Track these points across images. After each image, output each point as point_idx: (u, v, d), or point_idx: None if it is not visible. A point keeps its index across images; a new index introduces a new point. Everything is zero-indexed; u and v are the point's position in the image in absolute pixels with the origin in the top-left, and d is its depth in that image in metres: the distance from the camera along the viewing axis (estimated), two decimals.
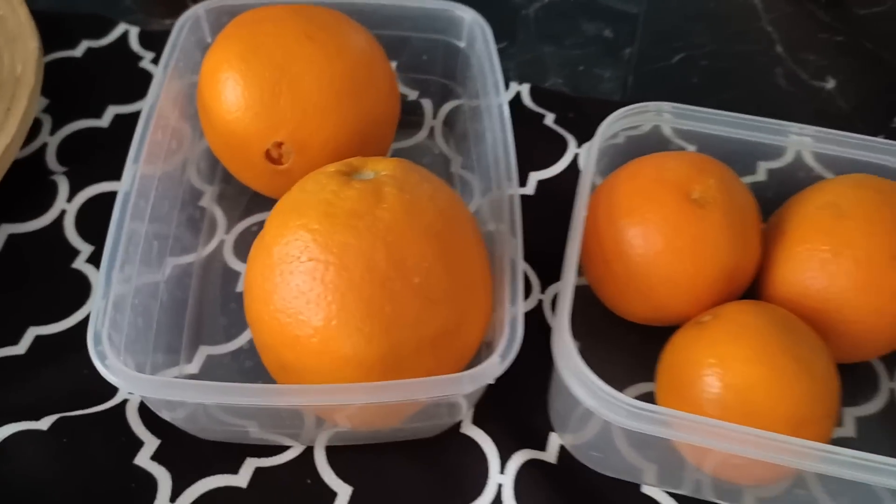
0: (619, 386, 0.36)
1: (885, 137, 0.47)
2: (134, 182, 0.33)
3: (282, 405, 0.28)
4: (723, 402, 0.30)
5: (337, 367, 0.28)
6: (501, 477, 0.33)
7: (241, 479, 0.33)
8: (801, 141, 0.38)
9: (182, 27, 0.39)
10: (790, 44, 0.52)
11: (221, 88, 0.35)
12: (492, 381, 0.29)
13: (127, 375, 0.28)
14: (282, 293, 0.29)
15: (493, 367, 0.28)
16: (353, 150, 0.35)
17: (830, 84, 0.50)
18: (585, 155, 0.39)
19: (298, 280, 0.28)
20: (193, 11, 0.39)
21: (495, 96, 0.37)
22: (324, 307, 0.28)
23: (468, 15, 0.40)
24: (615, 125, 0.37)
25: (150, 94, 0.35)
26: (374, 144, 0.37)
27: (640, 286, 0.34)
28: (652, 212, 0.33)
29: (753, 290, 0.36)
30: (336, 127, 0.35)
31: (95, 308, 0.29)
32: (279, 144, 0.35)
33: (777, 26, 0.53)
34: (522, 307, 0.30)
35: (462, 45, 0.41)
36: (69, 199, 0.41)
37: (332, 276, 0.28)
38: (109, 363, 0.28)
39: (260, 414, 0.31)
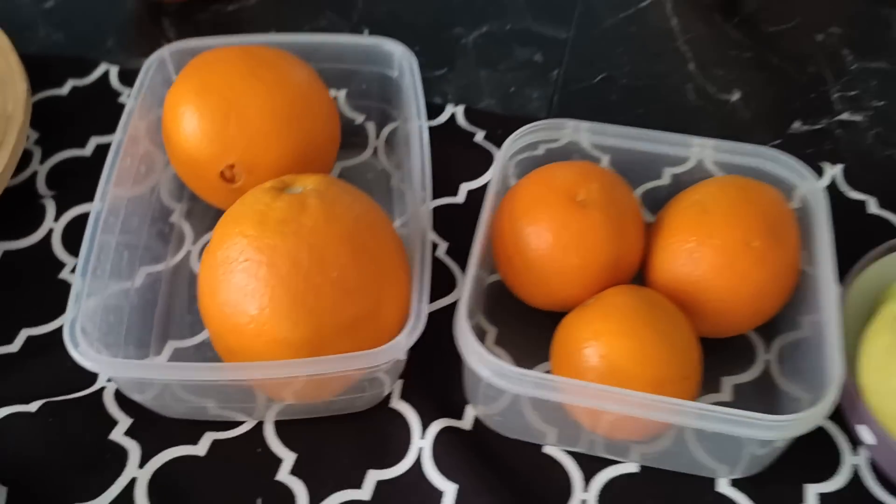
0: (531, 364, 0.42)
1: (782, 143, 0.53)
2: (104, 202, 0.39)
3: (224, 379, 0.34)
4: (598, 370, 0.35)
5: (270, 348, 0.34)
6: (422, 442, 0.39)
7: (200, 448, 0.39)
8: (701, 151, 0.44)
9: (150, 67, 0.45)
10: (702, 61, 0.58)
11: (180, 120, 0.41)
12: (402, 357, 0.35)
13: (94, 358, 0.34)
14: (225, 288, 0.35)
15: (399, 345, 0.34)
16: (296, 169, 0.41)
17: (735, 97, 0.56)
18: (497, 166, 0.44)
19: (237, 277, 0.34)
20: (159, 53, 0.46)
21: (417, 120, 0.43)
22: (258, 298, 0.34)
23: (397, 49, 0.46)
24: (519, 141, 0.43)
25: (120, 127, 0.42)
26: (317, 163, 0.44)
27: (537, 278, 0.39)
28: (543, 213, 0.39)
29: (641, 276, 0.41)
30: (279, 150, 0.41)
31: (70, 304, 0.35)
32: (231, 166, 0.41)
33: (691, 46, 0.59)
34: (427, 295, 0.36)
35: (394, 74, 0.48)
36: (56, 219, 0.47)
37: (264, 273, 0.34)
38: (81, 349, 0.34)
39: (213, 391, 0.37)
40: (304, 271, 0.34)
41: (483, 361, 0.35)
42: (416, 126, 0.43)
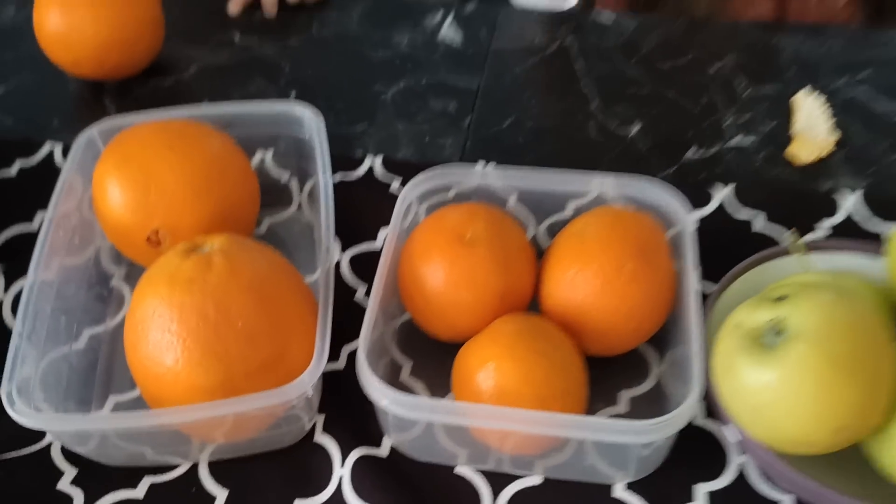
0: (443, 392, 0.45)
1: (676, 170, 0.57)
2: (37, 273, 0.43)
3: (144, 426, 0.38)
4: (490, 392, 0.39)
5: (188, 394, 0.38)
6: (342, 471, 0.42)
7: (139, 492, 0.42)
8: (600, 184, 0.48)
9: (80, 145, 0.50)
10: (604, 99, 0.63)
11: (106, 192, 0.45)
12: (309, 393, 0.39)
13: (29, 414, 0.38)
14: (144, 344, 0.38)
15: (303, 382, 0.38)
16: (218, 229, 0.45)
17: (634, 130, 0.60)
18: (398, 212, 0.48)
19: (153, 333, 0.38)
20: (88, 132, 0.50)
21: (323, 174, 0.47)
22: (172, 351, 0.38)
23: (306, 113, 0.51)
24: (418, 187, 0.48)
25: (51, 204, 0.46)
26: (237, 223, 0.48)
27: (437, 313, 0.43)
28: (435, 253, 0.43)
29: (536, 304, 0.45)
30: (198, 213, 0.45)
31: (7, 367, 0.39)
32: (156, 231, 0.45)
33: (592, 86, 0.64)
34: (327, 335, 0.40)
35: (306, 136, 0.52)
36: (5, 290, 0.51)
37: (175, 328, 0.38)
38: (17, 408, 0.38)
39: (146, 438, 0.41)
40: (213, 323, 0.38)
41: (382, 393, 0.39)
42: (324, 181, 0.47)
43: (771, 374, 0.33)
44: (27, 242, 0.53)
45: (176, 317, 0.38)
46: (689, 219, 0.45)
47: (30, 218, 0.55)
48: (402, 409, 0.38)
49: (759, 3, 0.80)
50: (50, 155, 0.59)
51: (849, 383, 0.32)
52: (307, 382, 0.38)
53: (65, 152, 0.59)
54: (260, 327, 0.38)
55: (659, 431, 0.37)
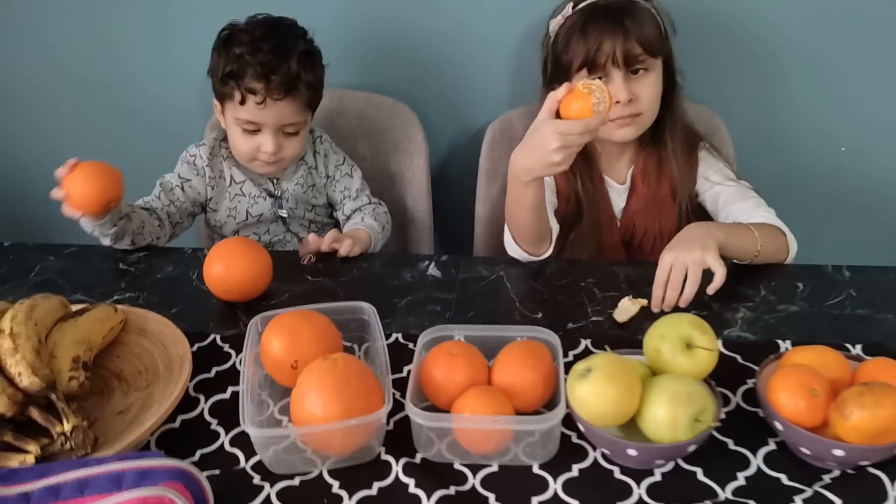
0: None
1: (562, 335, 1.05)
2: (245, 386, 0.87)
3: (304, 433, 0.81)
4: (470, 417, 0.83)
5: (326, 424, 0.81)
6: (397, 468, 0.84)
7: (295, 481, 0.83)
8: (518, 333, 0.96)
9: (251, 325, 0.96)
10: (521, 301, 1.12)
11: (271, 342, 0.91)
12: (383, 419, 0.82)
13: (251, 430, 0.80)
14: (305, 400, 0.82)
15: (379, 414, 0.82)
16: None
17: (539, 315, 1.09)
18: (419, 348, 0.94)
19: (311, 394, 0.82)
20: (254, 319, 0.97)
21: (381, 339, 0.94)
22: (321, 402, 0.81)
23: (366, 306, 0.99)
24: (423, 339, 0.94)
25: (243, 356, 0.92)
26: (333, 351, 0.93)
27: (440, 390, 0.88)
28: (438, 361, 0.88)
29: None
30: (318, 352, 0.91)
31: (241, 415, 0.82)
32: (296, 361, 0.90)
33: (516, 295, 1.14)
34: (390, 403, 0.84)
35: (366, 318, 0.99)
36: (205, 403, 0.94)
37: (323, 390, 0.82)
38: (249, 427, 0.80)
39: (295, 449, 0.83)
40: (339, 387, 0.82)
41: (417, 414, 0.82)
42: (381, 345, 0.93)
43: (585, 387, 0.78)
44: (213, 381, 0.98)
45: (323, 386, 0.82)
46: (558, 346, 0.92)
47: (209, 371, 1.00)
48: (427, 420, 0.81)
49: (615, 256, 1.35)
50: (214, 339, 1.05)
51: (617, 390, 0.78)
52: (383, 413, 0.82)
53: (222, 339, 1.05)
54: (360, 389, 0.83)
55: (549, 421, 0.80)
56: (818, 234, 1.52)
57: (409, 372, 0.90)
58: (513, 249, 1.22)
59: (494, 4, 1.47)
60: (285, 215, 1.42)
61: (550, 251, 1.21)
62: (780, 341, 1.01)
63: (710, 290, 1.05)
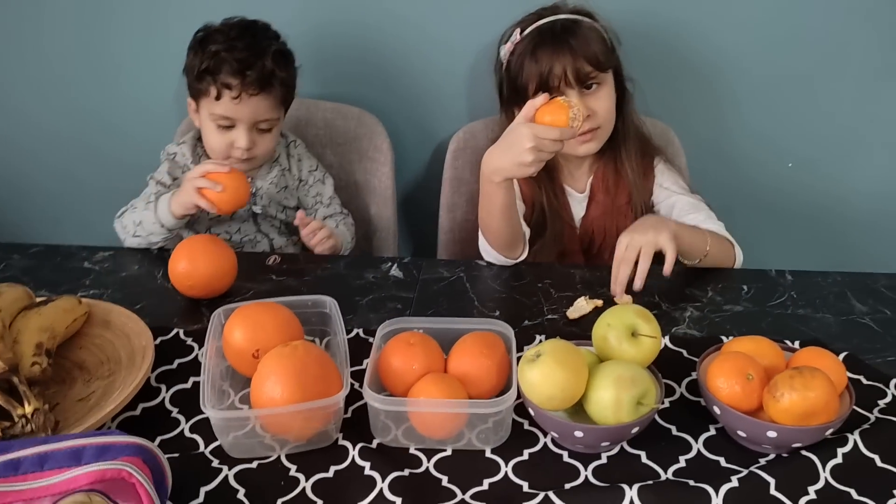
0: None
1: (518, 331, 1.09)
2: (205, 374, 0.90)
3: (262, 415, 0.83)
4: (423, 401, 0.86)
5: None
6: (354, 452, 0.86)
7: (254, 465, 0.85)
8: (477, 325, 0.99)
9: (214, 316, 0.98)
10: (482, 299, 1.16)
11: (233, 332, 0.93)
12: (340, 405, 0.85)
13: (211, 412, 0.82)
14: (264, 383, 0.85)
15: (337, 398, 0.84)
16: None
17: (497, 313, 1.13)
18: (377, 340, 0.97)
19: (271, 377, 0.85)
20: (217, 311, 0.99)
21: (342, 334, 0.97)
22: (279, 386, 0.84)
23: (329, 300, 1.02)
24: (382, 329, 0.97)
25: (204, 349, 0.94)
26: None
27: (397, 378, 0.91)
28: (396, 349, 0.92)
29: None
30: (280, 339, 0.93)
31: (201, 399, 0.84)
32: (257, 350, 0.93)
33: (475, 296, 1.17)
34: (347, 388, 0.87)
35: (328, 311, 1.02)
36: (167, 392, 0.96)
37: (282, 374, 0.85)
38: (209, 410, 0.82)
39: (253, 434, 0.85)
40: (299, 372, 0.84)
41: (374, 398, 0.85)
42: (342, 339, 0.96)
43: (535, 371, 0.82)
44: (175, 372, 1.00)
45: (282, 370, 0.85)
46: (512, 337, 0.95)
47: (172, 363, 1.01)
48: (383, 404, 0.84)
49: (577, 261, 1.39)
50: (177, 333, 1.07)
51: (564, 373, 0.82)
52: (341, 396, 0.84)
53: (185, 333, 1.07)
54: (319, 375, 0.85)
55: (502, 404, 0.84)
56: (764, 240, 1.59)
57: (368, 364, 0.93)
58: (488, 253, 1.26)
59: (461, 15, 1.52)
60: (259, 211, 1.44)
61: (525, 254, 1.26)
62: (723, 338, 1.06)
63: (666, 269, 1.10)
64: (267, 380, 0.85)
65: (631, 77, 1.37)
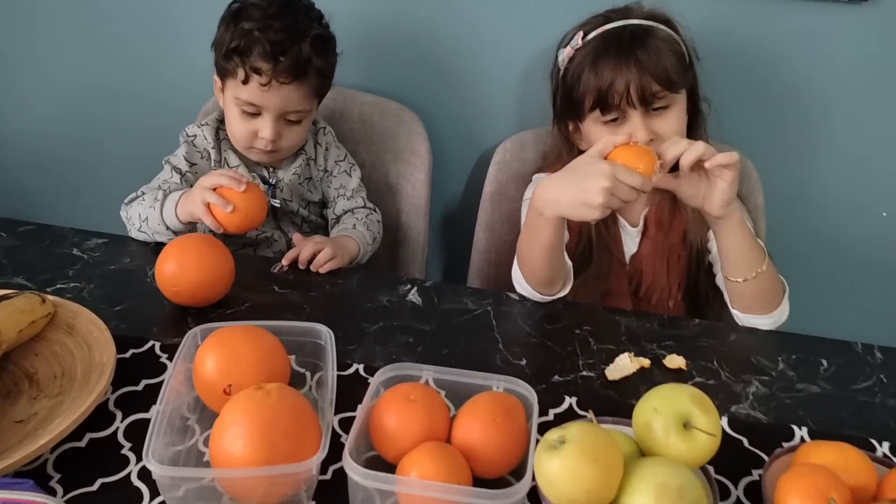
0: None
1: (546, 387, 0.91)
2: (161, 405, 0.75)
3: (219, 476, 0.68)
4: (417, 479, 0.70)
5: (246, 467, 0.68)
6: None
7: None
8: (497, 383, 0.82)
9: (187, 338, 0.83)
10: (507, 342, 0.99)
11: (204, 361, 0.78)
12: (314, 471, 0.69)
13: (155, 466, 0.67)
14: (224, 436, 0.69)
15: (310, 462, 0.68)
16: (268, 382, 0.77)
17: (523, 362, 0.96)
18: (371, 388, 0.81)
19: (232, 428, 0.69)
20: (193, 330, 0.84)
21: (332, 370, 0.81)
22: (241, 439, 0.69)
23: (323, 329, 0.86)
24: (381, 376, 0.81)
25: (168, 371, 0.79)
26: (278, 379, 0.80)
27: (389, 442, 0.75)
28: (390, 405, 0.75)
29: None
30: (257, 376, 0.78)
31: (146, 445, 0.69)
32: (230, 385, 0.78)
33: (501, 335, 1.01)
34: (326, 447, 0.71)
35: (322, 343, 0.87)
36: (122, 421, 0.82)
37: (247, 425, 0.69)
38: (151, 463, 0.68)
39: (210, 494, 0.69)
40: (267, 425, 0.69)
41: (356, 471, 0.69)
42: (331, 374, 0.81)
43: (556, 462, 0.65)
44: (136, 396, 0.86)
45: (248, 421, 0.69)
46: (535, 403, 0.78)
47: (137, 383, 0.87)
48: (365, 479, 0.68)
49: (624, 305, 1.21)
50: (152, 347, 0.93)
51: (592, 470, 0.64)
52: (314, 463, 0.69)
53: (161, 347, 0.93)
54: (293, 431, 0.70)
55: (510, 497, 0.67)
56: (849, 304, 1.37)
57: (357, 419, 0.77)
58: (521, 286, 1.09)
59: (520, 14, 1.35)
60: (278, 205, 1.30)
61: (566, 291, 1.09)
62: (795, 427, 0.87)
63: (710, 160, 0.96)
64: (228, 430, 0.70)
65: (707, 98, 1.18)
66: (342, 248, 1.19)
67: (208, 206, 1.08)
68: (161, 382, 0.87)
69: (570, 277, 1.10)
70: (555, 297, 1.08)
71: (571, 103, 1.14)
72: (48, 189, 1.75)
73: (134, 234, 1.19)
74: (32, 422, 0.77)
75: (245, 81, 1.17)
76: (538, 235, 1.00)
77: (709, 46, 1.18)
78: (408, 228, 1.43)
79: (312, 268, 1.13)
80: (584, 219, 0.93)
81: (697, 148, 0.95)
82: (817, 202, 1.41)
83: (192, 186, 1.25)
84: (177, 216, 1.13)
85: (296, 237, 1.19)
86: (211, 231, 1.11)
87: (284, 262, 1.14)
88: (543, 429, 0.79)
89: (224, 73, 1.21)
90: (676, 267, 1.22)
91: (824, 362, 0.99)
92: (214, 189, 1.08)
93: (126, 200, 1.23)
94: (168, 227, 1.15)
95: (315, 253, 1.13)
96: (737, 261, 1.02)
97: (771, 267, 1.04)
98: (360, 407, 0.78)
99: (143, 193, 1.22)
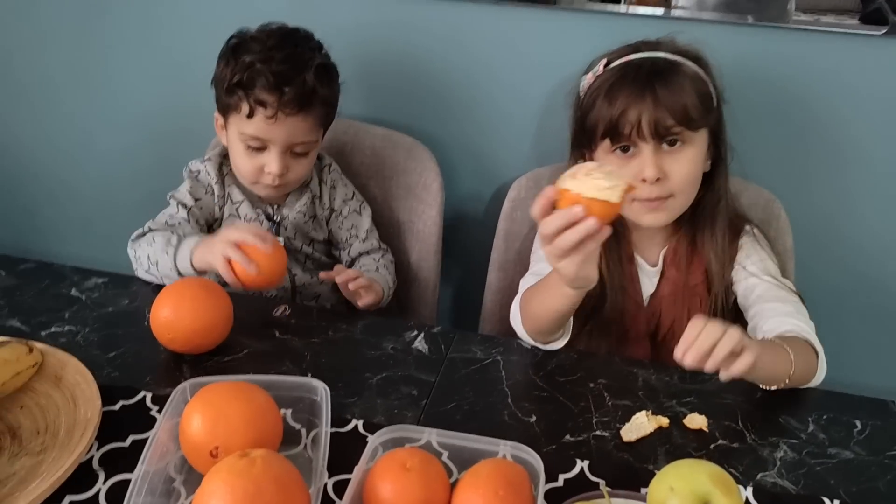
0: None
1: (555, 448, 0.86)
2: (140, 470, 0.70)
3: None
4: None
5: None
6: None
7: None
8: (503, 448, 0.77)
9: (176, 393, 0.79)
10: (516, 396, 0.94)
11: (191, 420, 0.74)
12: None
13: None
14: None
15: None
16: (256, 446, 0.72)
17: (533, 419, 0.90)
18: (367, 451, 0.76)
19: (214, 499, 0.65)
20: (182, 385, 0.80)
21: (326, 429, 0.76)
22: None
23: (319, 385, 0.82)
24: (379, 438, 0.76)
25: (154, 430, 0.74)
26: (269, 444, 0.76)
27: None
28: (387, 475, 0.70)
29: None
30: (246, 438, 0.74)
31: None
32: (216, 448, 0.73)
33: (510, 388, 0.95)
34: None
35: (318, 399, 0.82)
36: (104, 482, 0.77)
37: (229, 496, 0.64)
38: None
39: None
40: (252, 495, 0.64)
41: None
42: (324, 431, 0.76)
43: None
44: (121, 453, 0.81)
45: (229, 493, 0.65)
46: (541, 472, 0.73)
47: (124, 439, 0.83)
48: None
49: (639, 350, 1.15)
50: (143, 398, 0.89)
51: None
52: None
53: (153, 399, 0.89)
54: (277, 502, 0.65)
55: None
56: (884, 359, 1.29)
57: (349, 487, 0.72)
58: (519, 331, 1.04)
59: (538, 57, 1.31)
60: (282, 243, 1.26)
61: (563, 343, 1.03)
62: (826, 500, 0.80)
63: (730, 371, 0.83)
64: (209, 503, 0.65)
65: (731, 144, 1.11)
66: (374, 289, 1.19)
67: (229, 261, 1.04)
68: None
69: (570, 329, 1.04)
70: (551, 348, 1.03)
71: (584, 130, 1.09)
72: (61, 219, 1.73)
73: (141, 273, 1.15)
74: (11, 482, 0.74)
75: (250, 115, 1.14)
76: (552, 296, 0.95)
77: (738, 82, 1.12)
78: (418, 267, 1.39)
79: (352, 287, 1.14)
80: (584, 283, 0.90)
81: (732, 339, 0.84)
82: (849, 243, 1.33)
83: (197, 222, 1.23)
84: (192, 264, 1.09)
85: (337, 267, 1.18)
86: (221, 280, 1.07)
87: (324, 277, 1.16)
88: (551, 497, 0.74)
89: (227, 109, 1.18)
90: (698, 310, 1.15)
91: (858, 423, 0.92)
92: (237, 244, 1.04)
93: (133, 236, 1.19)
94: (180, 274, 1.10)
95: (355, 277, 1.15)
96: (766, 380, 0.95)
97: (801, 362, 0.93)
98: (356, 469, 0.73)
99: (151, 230, 1.18)
